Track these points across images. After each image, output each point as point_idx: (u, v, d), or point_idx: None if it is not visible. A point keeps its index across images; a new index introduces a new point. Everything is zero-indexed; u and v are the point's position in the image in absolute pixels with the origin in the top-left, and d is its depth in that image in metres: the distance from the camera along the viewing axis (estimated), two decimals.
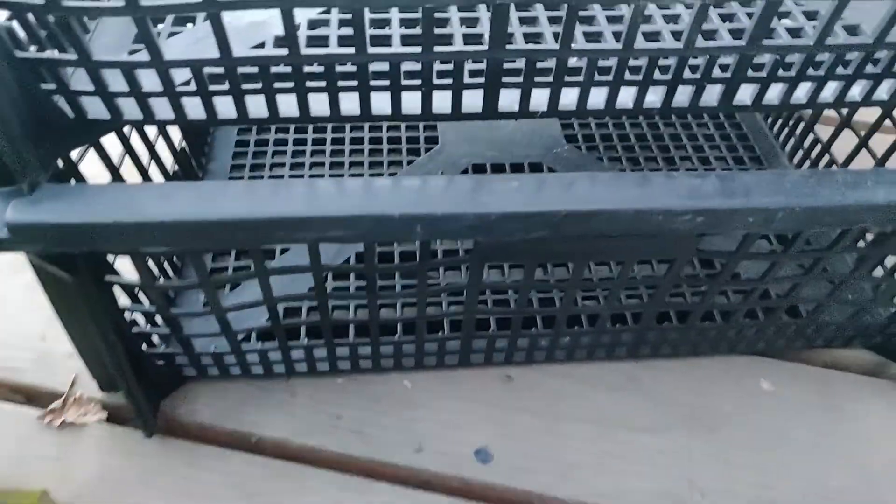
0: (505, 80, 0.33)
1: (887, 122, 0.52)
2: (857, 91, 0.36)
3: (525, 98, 0.34)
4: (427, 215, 0.32)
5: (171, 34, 0.39)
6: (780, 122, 0.66)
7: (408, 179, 0.33)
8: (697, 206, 0.33)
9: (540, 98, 0.35)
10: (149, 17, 0.28)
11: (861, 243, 0.42)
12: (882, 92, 0.36)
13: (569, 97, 0.35)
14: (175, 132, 0.60)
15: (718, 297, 0.47)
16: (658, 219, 0.33)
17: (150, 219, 0.32)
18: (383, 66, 0.32)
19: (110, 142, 0.46)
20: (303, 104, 0.34)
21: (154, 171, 0.55)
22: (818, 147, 0.60)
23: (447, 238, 0.33)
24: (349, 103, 0.34)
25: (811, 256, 0.42)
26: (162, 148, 0.57)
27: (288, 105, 0.34)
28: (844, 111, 0.56)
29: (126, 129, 0.50)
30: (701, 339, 0.50)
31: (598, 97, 0.35)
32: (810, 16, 0.40)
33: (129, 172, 0.49)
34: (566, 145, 0.67)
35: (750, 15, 0.36)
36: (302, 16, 0.39)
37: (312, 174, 0.64)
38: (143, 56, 0.30)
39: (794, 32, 0.39)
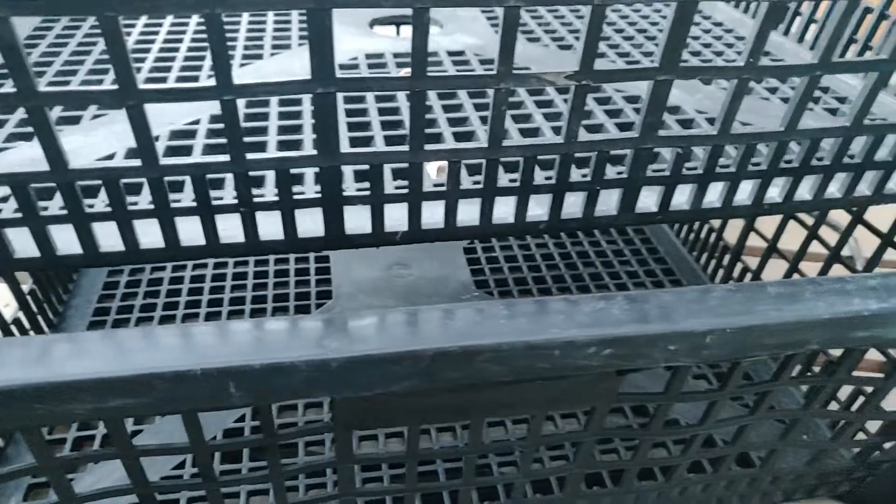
0: (349, 194, 0.27)
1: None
2: (775, 192, 0.31)
3: (377, 217, 0.27)
4: (242, 368, 0.23)
5: None
6: (706, 254, 0.62)
7: (239, 324, 0.25)
8: (603, 334, 0.26)
9: (398, 216, 0.28)
10: None
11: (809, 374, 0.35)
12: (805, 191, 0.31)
13: (435, 214, 0.28)
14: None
15: (657, 450, 0.39)
16: (555, 354, 0.26)
17: None
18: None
19: None
20: (127, 234, 0.26)
21: None
22: (749, 277, 0.55)
23: (279, 400, 0.25)
24: (190, 232, 0.27)
25: (754, 391, 0.35)
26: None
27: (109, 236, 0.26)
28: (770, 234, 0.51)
29: None
30: None
31: (470, 212, 0.29)
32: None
33: None
34: (476, 291, 0.61)
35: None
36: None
37: None
38: None
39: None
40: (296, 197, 0.26)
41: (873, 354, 0.42)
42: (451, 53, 0.45)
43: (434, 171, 0.32)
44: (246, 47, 0.45)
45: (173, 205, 0.25)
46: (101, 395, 0.23)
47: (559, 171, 0.27)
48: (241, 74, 0.40)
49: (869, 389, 0.38)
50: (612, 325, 0.26)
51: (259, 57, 0.43)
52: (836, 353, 0.33)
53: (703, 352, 0.27)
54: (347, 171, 0.31)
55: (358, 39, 0.46)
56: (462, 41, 0.47)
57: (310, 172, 0.31)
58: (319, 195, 0.26)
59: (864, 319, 0.27)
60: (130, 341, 0.24)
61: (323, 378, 0.24)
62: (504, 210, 0.29)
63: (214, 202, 0.26)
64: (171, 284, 0.60)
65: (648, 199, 0.30)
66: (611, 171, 0.28)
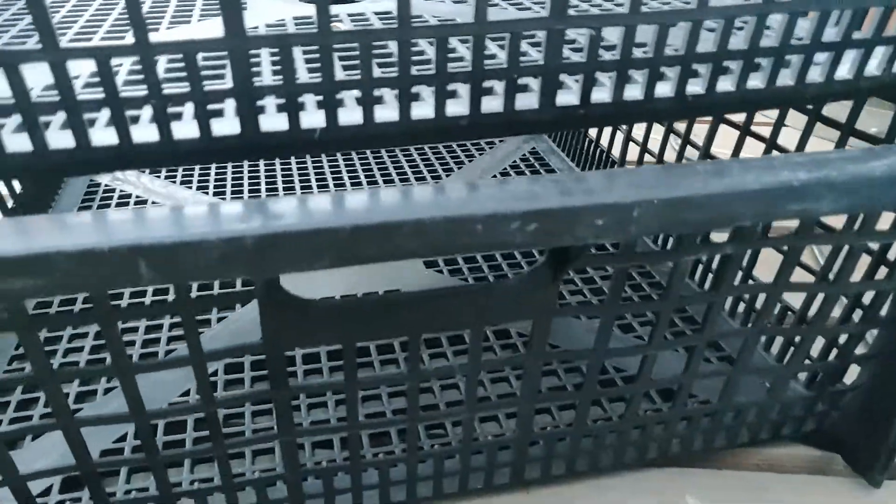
0: (261, 84, 0.26)
1: None
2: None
3: (293, 112, 0.27)
4: (153, 245, 0.23)
5: None
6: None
7: (155, 209, 0.24)
8: (527, 208, 0.25)
9: (317, 118, 0.28)
10: None
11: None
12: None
13: (355, 115, 0.28)
14: None
15: (607, 388, 0.38)
16: (477, 228, 0.25)
17: None
18: None
19: None
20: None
21: None
22: None
23: (193, 278, 0.24)
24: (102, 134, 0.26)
25: (698, 302, 0.34)
26: None
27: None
28: None
29: None
30: (599, 447, 0.40)
31: (389, 113, 0.28)
32: None
33: None
34: None
35: None
36: None
37: None
38: None
39: None
40: (206, 88, 0.26)
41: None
42: None
43: None
44: None
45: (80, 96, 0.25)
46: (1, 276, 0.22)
47: (474, 55, 0.27)
48: None
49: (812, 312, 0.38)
50: (536, 199, 0.26)
51: None
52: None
53: (631, 227, 0.26)
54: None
55: None
56: None
57: None
58: (232, 86, 0.26)
59: (793, 190, 0.27)
60: (37, 224, 0.23)
61: (238, 255, 0.23)
62: (424, 109, 0.29)
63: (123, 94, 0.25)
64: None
65: (570, 96, 0.30)
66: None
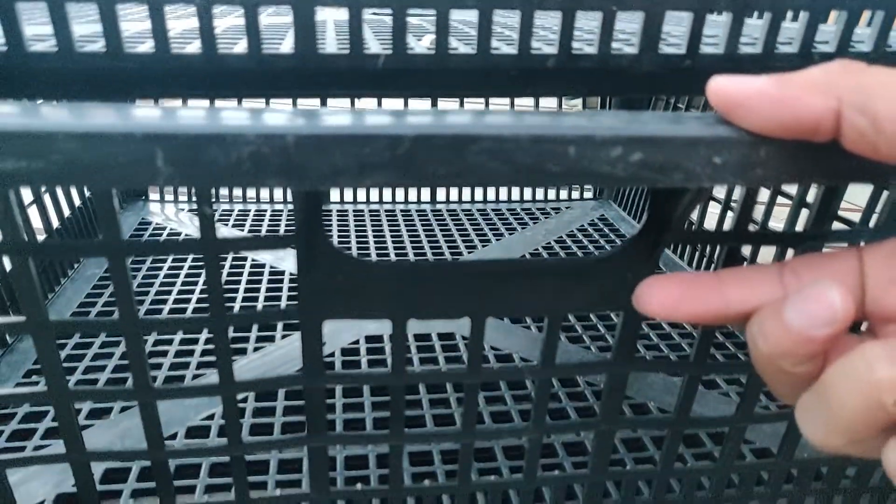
0: None
1: None
2: None
3: (356, 25, 0.23)
4: (174, 134, 0.19)
5: None
6: None
7: (194, 109, 0.20)
8: (632, 132, 0.21)
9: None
10: None
11: None
12: None
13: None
14: None
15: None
16: (569, 152, 0.20)
17: None
18: None
19: None
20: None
21: None
22: None
23: (220, 182, 0.20)
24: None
25: None
26: None
27: None
28: None
29: None
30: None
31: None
32: None
33: None
34: None
35: None
36: None
37: None
38: None
39: None
40: None
41: None
42: None
43: None
44: None
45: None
46: None
47: None
48: None
49: None
50: (643, 124, 0.21)
51: None
52: None
53: (756, 170, 0.21)
54: None
55: None
56: None
57: None
58: None
59: None
60: (48, 107, 0.19)
61: (275, 155, 0.19)
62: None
63: None
64: None
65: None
66: None
